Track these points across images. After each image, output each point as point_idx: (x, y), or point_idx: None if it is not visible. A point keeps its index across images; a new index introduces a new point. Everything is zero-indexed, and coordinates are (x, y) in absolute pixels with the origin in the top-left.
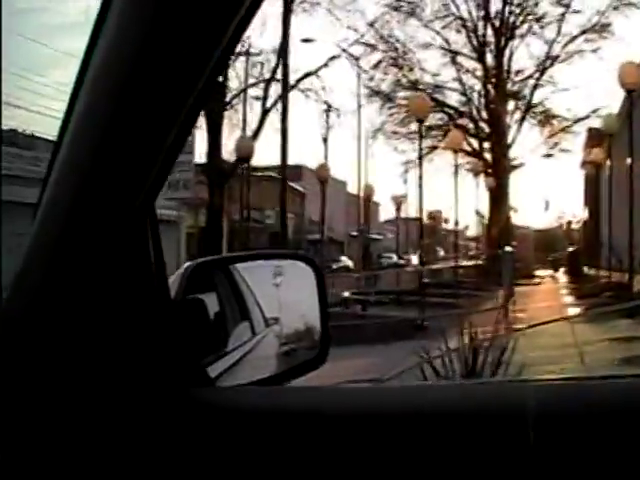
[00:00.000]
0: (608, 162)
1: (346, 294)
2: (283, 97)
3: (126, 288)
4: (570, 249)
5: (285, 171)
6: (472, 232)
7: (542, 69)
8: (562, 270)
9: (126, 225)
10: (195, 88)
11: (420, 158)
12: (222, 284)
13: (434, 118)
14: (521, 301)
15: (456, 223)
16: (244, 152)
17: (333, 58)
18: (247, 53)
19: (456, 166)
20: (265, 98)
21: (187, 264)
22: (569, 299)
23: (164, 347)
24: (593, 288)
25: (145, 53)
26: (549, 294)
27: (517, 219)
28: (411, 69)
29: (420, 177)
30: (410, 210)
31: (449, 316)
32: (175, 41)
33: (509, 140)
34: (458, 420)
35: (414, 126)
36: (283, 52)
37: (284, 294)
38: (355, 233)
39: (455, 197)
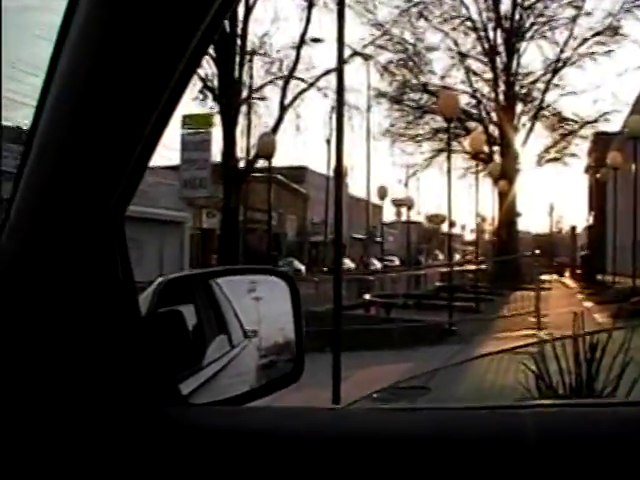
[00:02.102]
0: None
1: (367, 297)
2: (339, 104)
3: (93, 305)
4: (582, 253)
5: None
6: (470, 236)
7: (553, 71)
8: (567, 275)
9: (93, 240)
10: (164, 92)
11: (449, 158)
12: (200, 297)
13: (440, 121)
14: (542, 307)
15: (462, 227)
16: (266, 149)
17: (352, 56)
18: (264, 53)
19: (477, 170)
20: (284, 95)
21: (159, 279)
22: (591, 304)
23: (134, 364)
24: (614, 294)
25: (111, 57)
26: (566, 299)
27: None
28: (420, 71)
29: (449, 186)
30: (411, 212)
31: (476, 321)
32: (142, 45)
33: (517, 144)
34: (443, 447)
35: (421, 129)
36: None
37: (260, 309)
38: (357, 236)
39: (476, 200)
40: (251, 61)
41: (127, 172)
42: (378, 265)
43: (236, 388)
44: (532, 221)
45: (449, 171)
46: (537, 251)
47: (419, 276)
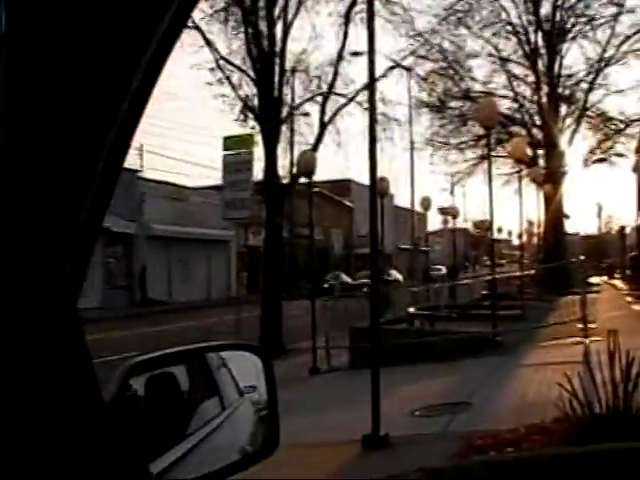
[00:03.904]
0: None
1: (411, 310)
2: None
3: (45, 397)
4: (631, 254)
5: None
6: (517, 240)
7: (596, 71)
8: (617, 276)
9: (41, 333)
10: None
11: (489, 166)
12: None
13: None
14: (590, 312)
15: (509, 232)
16: (307, 166)
17: (392, 68)
18: (303, 70)
19: (519, 176)
20: (323, 112)
21: (125, 363)
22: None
23: (99, 453)
24: None
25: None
26: (615, 302)
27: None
28: (461, 78)
29: (490, 192)
30: (458, 220)
31: (521, 330)
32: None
33: (562, 146)
34: None
35: (464, 136)
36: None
37: (234, 384)
38: (404, 246)
39: (520, 204)
40: (290, 80)
41: (71, 251)
42: (400, 277)
43: (210, 464)
44: (580, 223)
45: (490, 178)
46: (582, 257)
47: (462, 285)
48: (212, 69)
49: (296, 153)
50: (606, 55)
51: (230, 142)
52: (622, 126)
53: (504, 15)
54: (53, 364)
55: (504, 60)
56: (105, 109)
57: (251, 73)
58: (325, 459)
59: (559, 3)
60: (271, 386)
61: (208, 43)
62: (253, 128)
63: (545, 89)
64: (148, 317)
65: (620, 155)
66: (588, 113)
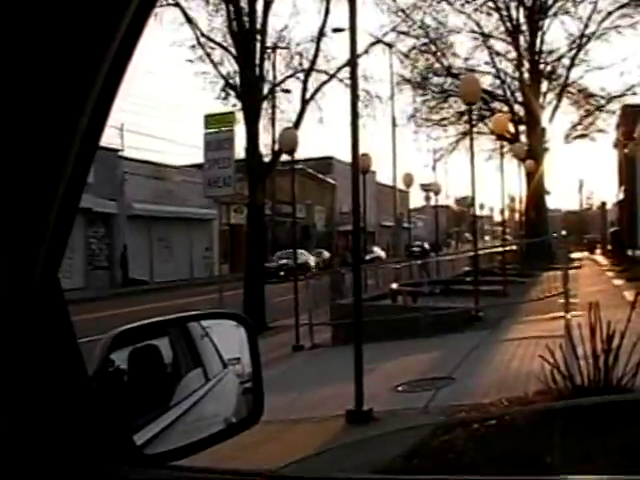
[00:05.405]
0: None
1: (394, 286)
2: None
3: (31, 369)
4: (612, 230)
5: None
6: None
7: (577, 47)
8: (598, 252)
9: (24, 307)
10: (76, 134)
11: (471, 141)
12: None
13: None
14: (572, 287)
15: (491, 209)
16: (289, 144)
17: (374, 45)
18: (284, 47)
19: (502, 152)
20: (305, 89)
21: (111, 332)
22: (621, 282)
23: (83, 425)
24: None
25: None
26: (596, 277)
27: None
28: (443, 54)
29: (472, 168)
30: (440, 197)
31: (503, 305)
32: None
33: (543, 122)
34: None
35: (446, 113)
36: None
37: (218, 354)
38: (387, 223)
39: (501, 180)
40: (271, 57)
41: (49, 228)
42: (382, 254)
43: (195, 434)
44: (562, 199)
45: (472, 154)
46: (563, 233)
47: (448, 261)
48: (193, 46)
49: (278, 130)
50: (587, 31)
51: (211, 120)
52: (603, 102)
53: None
54: (36, 338)
55: (486, 36)
56: (79, 86)
57: (232, 50)
58: (308, 433)
59: None
60: (255, 353)
61: (189, 20)
62: (234, 106)
63: (527, 65)
64: (130, 297)
65: (601, 131)
66: (569, 89)
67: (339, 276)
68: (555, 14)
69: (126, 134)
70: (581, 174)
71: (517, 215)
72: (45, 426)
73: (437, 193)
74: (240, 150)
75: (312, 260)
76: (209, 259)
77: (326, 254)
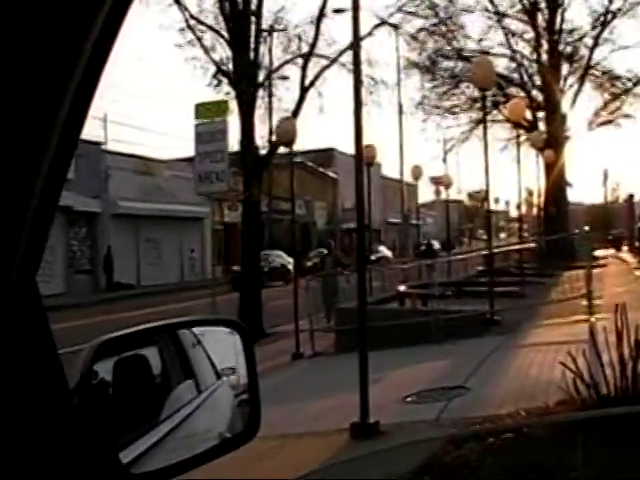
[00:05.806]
0: None
1: (402, 288)
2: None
3: (9, 386)
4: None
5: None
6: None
7: (601, 25)
8: (625, 249)
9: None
10: (55, 129)
11: (485, 129)
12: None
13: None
14: (596, 287)
15: (507, 203)
16: (287, 135)
17: (378, 26)
18: (281, 30)
19: (518, 141)
20: (304, 75)
21: (90, 343)
22: None
23: (65, 444)
24: None
25: None
26: (623, 277)
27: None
28: (454, 36)
29: (486, 159)
30: (450, 191)
31: (520, 308)
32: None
33: (564, 108)
34: None
35: (457, 99)
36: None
37: (211, 364)
38: (393, 220)
39: (518, 171)
40: (267, 41)
41: (27, 226)
42: (389, 254)
43: (186, 451)
44: (585, 191)
45: (486, 144)
46: (586, 228)
47: (460, 261)
48: (182, 30)
49: (275, 121)
50: (612, 7)
51: (203, 109)
52: (630, 85)
53: None
54: (11, 348)
55: (500, 15)
56: (58, 74)
57: (225, 34)
58: (309, 449)
59: None
60: (251, 362)
61: (177, 1)
62: (228, 94)
63: (545, 46)
64: (115, 303)
65: (628, 116)
66: (592, 71)
67: (332, 279)
68: None
69: (109, 125)
70: (606, 164)
71: (535, 210)
72: (22, 445)
73: (448, 187)
74: (234, 142)
75: (290, 263)
76: (194, 261)
77: (383, 249)
